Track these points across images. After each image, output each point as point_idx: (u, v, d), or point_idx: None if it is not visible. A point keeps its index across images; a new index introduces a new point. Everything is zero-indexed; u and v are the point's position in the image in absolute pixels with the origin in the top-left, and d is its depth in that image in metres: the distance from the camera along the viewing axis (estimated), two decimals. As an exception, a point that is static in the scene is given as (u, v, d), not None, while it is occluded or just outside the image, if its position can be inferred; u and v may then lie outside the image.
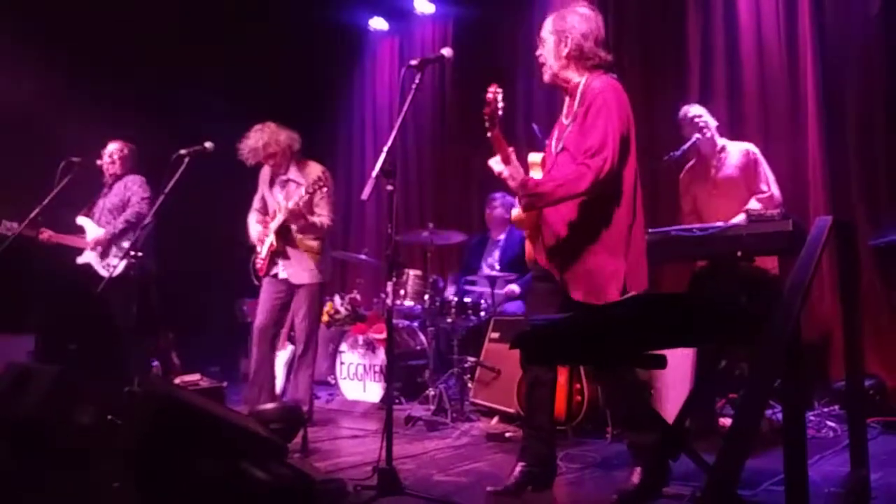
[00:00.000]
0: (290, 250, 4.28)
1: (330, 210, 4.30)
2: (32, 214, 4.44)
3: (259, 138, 4.25)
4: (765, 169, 4.03)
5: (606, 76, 2.77)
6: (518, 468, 2.77)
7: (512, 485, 2.72)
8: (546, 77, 2.87)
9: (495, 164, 2.82)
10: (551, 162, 2.85)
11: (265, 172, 4.44)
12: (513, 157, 2.81)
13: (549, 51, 2.81)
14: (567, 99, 2.87)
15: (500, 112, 2.72)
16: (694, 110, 4.15)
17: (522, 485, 2.74)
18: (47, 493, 2.19)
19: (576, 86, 2.79)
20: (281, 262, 4.31)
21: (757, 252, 3.37)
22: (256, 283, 4.39)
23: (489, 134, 2.76)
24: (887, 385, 4.08)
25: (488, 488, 2.76)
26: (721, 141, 4.13)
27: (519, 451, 2.83)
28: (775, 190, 3.98)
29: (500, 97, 2.70)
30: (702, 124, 4.07)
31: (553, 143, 2.87)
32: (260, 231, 4.34)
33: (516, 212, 3.00)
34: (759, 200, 3.91)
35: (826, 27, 4.59)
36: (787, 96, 4.76)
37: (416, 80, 2.89)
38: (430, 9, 6.89)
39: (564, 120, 2.86)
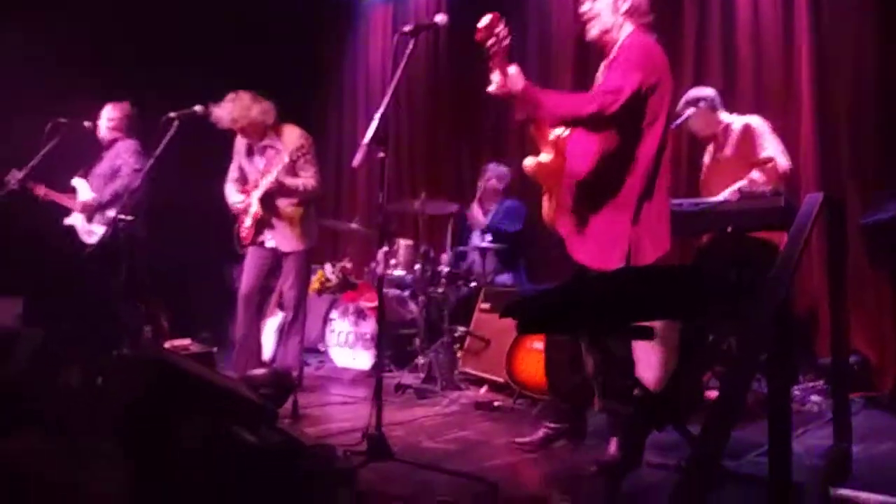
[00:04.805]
0: (274, 219, 4.25)
1: (315, 172, 4.26)
2: (23, 173, 4.43)
3: (230, 111, 4.14)
4: (767, 139, 3.95)
5: (644, 35, 2.75)
6: (543, 426, 2.98)
7: (537, 440, 2.94)
8: (594, 33, 2.81)
9: (493, 79, 2.65)
10: None
11: (240, 142, 4.37)
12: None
13: (606, 5, 2.76)
14: (603, 62, 2.85)
15: (504, 43, 2.59)
16: (693, 93, 4.11)
17: (547, 440, 2.94)
18: (33, 457, 2.19)
19: (615, 44, 2.77)
20: (267, 231, 4.29)
21: (748, 228, 3.38)
22: (241, 251, 4.37)
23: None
24: (871, 361, 4.13)
25: (515, 440, 2.98)
26: (727, 118, 4.07)
27: (542, 411, 3.13)
28: (781, 159, 3.89)
29: (500, 28, 2.57)
30: (692, 108, 4.03)
31: None
32: (241, 200, 4.30)
33: (530, 161, 2.94)
34: (762, 171, 3.83)
35: (821, 6, 4.56)
36: (781, 73, 4.74)
37: (410, 47, 2.85)
38: (424, -25, 6.79)
39: (597, 81, 2.85)
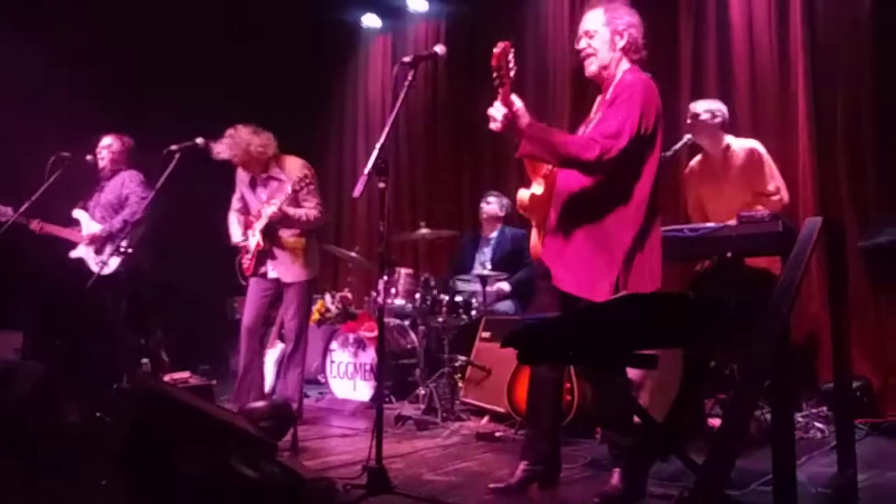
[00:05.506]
0: (276, 250, 4.26)
1: (318, 203, 4.28)
2: (22, 209, 4.42)
3: (229, 146, 4.16)
4: (771, 168, 3.98)
5: (642, 73, 2.78)
6: (521, 467, 2.82)
7: (514, 483, 2.77)
8: (592, 68, 2.82)
9: (496, 106, 2.66)
10: None
11: (243, 172, 4.39)
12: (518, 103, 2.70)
13: (603, 43, 2.80)
14: (599, 96, 2.88)
15: (511, 73, 2.61)
16: (699, 106, 4.08)
17: (525, 483, 2.78)
18: (34, 490, 2.17)
19: (612, 80, 2.79)
20: (269, 262, 4.29)
21: (747, 253, 3.37)
22: (243, 282, 4.37)
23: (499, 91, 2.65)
24: (874, 386, 4.10)
25: (490, 485, 2.80)
26: (727, 139, 4.08)
27: (521, 449, 2.89)
28: (784, 192, 3.95)
29: (510, 57, 2.59)
30: (700, 120, 4.02)
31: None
32: (243, 239, 4.32)
33: (524, 193, 2.95)
34: (767, 204, 3.83)
35: (817, 28, 4.62)
36: (778, 96, 4.78)
37: (409, 77, 2.87)
38: (423, 6, 6.89)
39: (593, 115, 2.87)
